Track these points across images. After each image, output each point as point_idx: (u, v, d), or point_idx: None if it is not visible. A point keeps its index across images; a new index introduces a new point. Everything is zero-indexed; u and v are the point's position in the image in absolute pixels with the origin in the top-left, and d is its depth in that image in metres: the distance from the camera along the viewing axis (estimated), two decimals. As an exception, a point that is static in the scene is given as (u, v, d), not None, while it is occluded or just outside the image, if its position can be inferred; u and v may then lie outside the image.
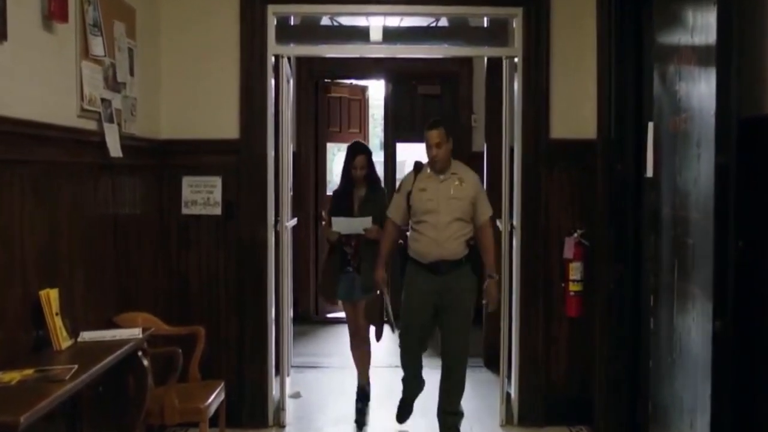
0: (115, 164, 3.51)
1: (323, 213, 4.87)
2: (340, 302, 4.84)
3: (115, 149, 3.41)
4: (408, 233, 4.23)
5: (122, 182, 3.72)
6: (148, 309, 3.85)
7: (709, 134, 2.47)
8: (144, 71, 3.94)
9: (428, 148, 4.07)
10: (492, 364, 5.54)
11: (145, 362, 3.05)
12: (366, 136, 7.94)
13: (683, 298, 2.73)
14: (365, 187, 4.59)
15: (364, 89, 7.73)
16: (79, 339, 2.87)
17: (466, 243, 4.07)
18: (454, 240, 4.03)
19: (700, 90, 2.55)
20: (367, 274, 4.43)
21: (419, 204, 4.08)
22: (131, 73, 3.75)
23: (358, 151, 4.60)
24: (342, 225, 4.49)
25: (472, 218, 4.10)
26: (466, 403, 4.91)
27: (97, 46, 3.26)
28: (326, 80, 7.48)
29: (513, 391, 4.61)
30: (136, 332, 3.01)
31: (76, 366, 2.46)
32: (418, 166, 4.22)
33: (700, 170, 2.56)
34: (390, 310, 4.45)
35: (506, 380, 4.65)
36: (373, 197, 4.59)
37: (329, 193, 6.78)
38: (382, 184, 4.94)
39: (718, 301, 2.38)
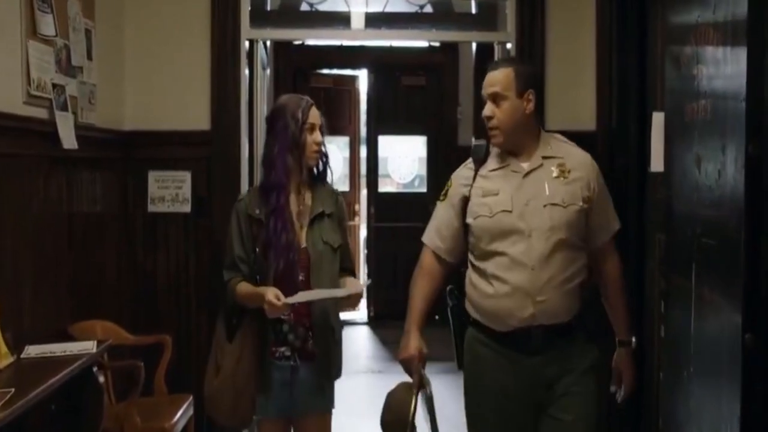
0: (70, 157, 3.18)
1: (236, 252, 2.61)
2: (256, 424, 2.64)
3: (68, 140, 3.08)
4: (467, 276, 2.47)
5: (79, 177, 3.38)
6: (110, 316, 3.53)
7: (736, 122, 2.19)
8: (104, 55, 3.61)
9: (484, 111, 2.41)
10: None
11: (101, 379, 2.74)
12: (356, 131, 7.66)
13: (703, 304, 2.45)
14: (309, 186, 2.60)
15: (353, 79, 7.42)
16: (22, 355, 2.54)
17: (580, 290, 2.40)
18: (559, 285, 2.33)
19: (726, 73, 2.27)
20: (327, 362, 2.56)
21: (486, 220, 2.35)
22: (89, 57, 3.41)
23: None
24: (304, 297, 2.46)
25: (584, 239, 2.42)
26: (448, 409, 4.66)
27: (47, 25, 2.92)
28: (308, 69, 7.18)
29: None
30: (89, 345, 2.69)
31: (12, 390, 2.13)
32: (478, 151, 2.50)
33: (725, 162, 2.27)
34: (435, 417, 2.50)
35: None
36: (328, 205, 2.62)
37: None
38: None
39: (748, 312, 2.10)
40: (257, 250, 2.48)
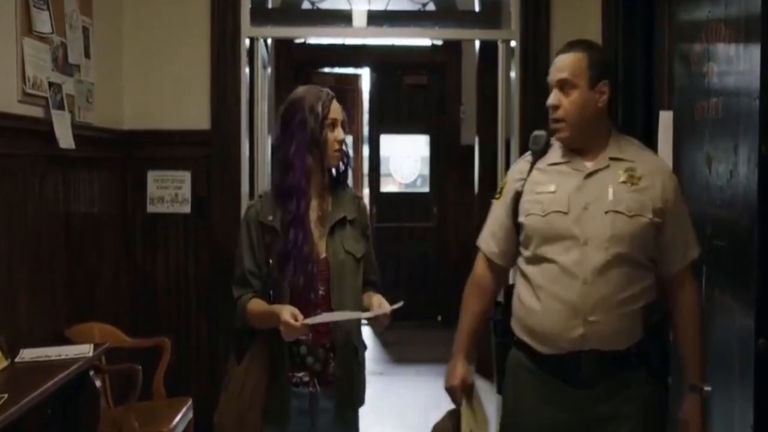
0: (67, 157, 3.12)
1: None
2: None
3: (65, 140, 3.02)
4: (515, 287, 2.20)
5: (77, 177, 3.33)
6: (108, 318, 3.48)
7: (749, 121, 2.13)
8: (102, 53, 3.55)
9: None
10: (482, 370, 5.22)
11: (97, 383, 2.68)
12: (359, 130, 7.60)
13: (713, 308, 2.39)
14: (329, 190, 2.30)
15: (356, 78, 7.36)
16: (17, 359, 2.49)
17: (643, 314, 2.08)
18: (616, 306, 2.03)
19: (739, 70, 2.21)
20: (350, 389, 2.27)
21: (538, 219, 2.10)
22: (86, 55, 3.35)
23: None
24: (326, 318, 2.18)
25: (655, 258, 2.10)
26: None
27: (43, 22, 2.87)
28: (310, 68, 7.12)
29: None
30: (85, 349, 2.63)
31: (5, 396, 2.07)
32: (537, 141, 2.22)
33: (738, 162, 2.21)
34: None
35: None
36: (349, 210, 2.31)
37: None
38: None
39: (761, 316, 2.04)
40: (270, 261, 2.18)
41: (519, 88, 4.04)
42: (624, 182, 2.07)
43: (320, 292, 2.20)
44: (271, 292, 2.19)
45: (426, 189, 7.30)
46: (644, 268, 2.09)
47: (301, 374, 2.21)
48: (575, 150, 2.13)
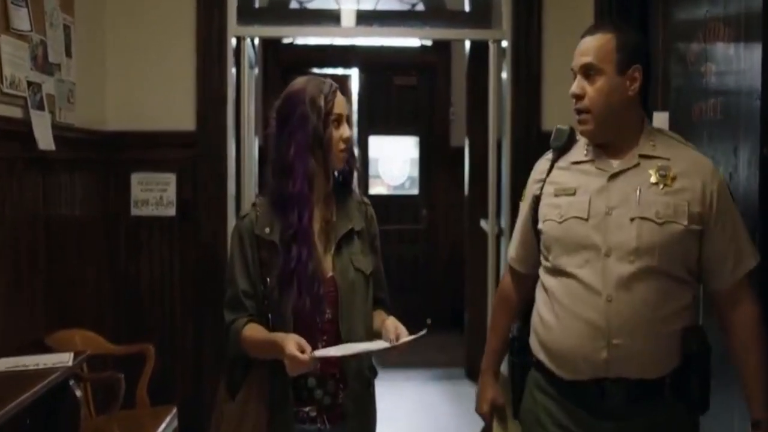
0: (46, 158, 3.03)
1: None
2: None
3: (45, 141, 2.93)
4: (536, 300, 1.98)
5: (57, 179, 3.23)
6: (91, 325, 3.39)
7: (749, 122, 2.08)
8: (84, 52, 3.46)
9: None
10: (474, 375, 5.15)
11: (78, 393, 2.58)
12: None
13: (714, 316, 2.33)
14: (333, 196, 2.04)
15: (345, 78, 7.29)
16: (-7, 369, 2.39)
17: (681, 338, 1.83)
18: (647, 326, 1.80)
19: (738, 70, 2.16)
20: (364, 425, 2.04)
21: (555, 226, 1.90)
22: (68, 54, 3.26)
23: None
24: (338, 351, 1.91)
25: (696, 272, 1.86)
26: (446, 418, 4.53)
27: (21, 19, 2.77)
28: (298, 69, 7.04)
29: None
30: (65, 358, 2.53)
31: (-23, 409, 1.98)
32: (559, 136, 2.01)
33: (738, 164, 2.16)
34: None
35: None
36: (357, 220, 2.06)
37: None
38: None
39: (764, 324, 1.98)
40: (269, 280, 1.91)
41: (510, 89, 3.99)
42: (655, 183, 1.81)
43: (327, 316, 1.93)
44: (270, 316, 1.92)
45: (415, 191, 7.24)
46: (683, 284, 1.81)
47: (307, 409, 1.94)
48: (602, 146, 1.88)
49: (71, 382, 2.59)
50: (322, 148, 1.92)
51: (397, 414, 4.17)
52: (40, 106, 2.92)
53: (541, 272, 1.94)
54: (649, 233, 1.79)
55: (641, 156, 1.85)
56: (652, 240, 1.78)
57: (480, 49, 4.60)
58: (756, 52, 2.04)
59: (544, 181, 1.95)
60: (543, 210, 1.92)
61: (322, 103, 1.92)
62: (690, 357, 1.81)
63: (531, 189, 2.01)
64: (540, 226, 1.93)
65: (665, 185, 1.81)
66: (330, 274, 1.95)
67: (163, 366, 3.52)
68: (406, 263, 6.97)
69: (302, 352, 1.78)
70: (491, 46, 4.12)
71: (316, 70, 7.16)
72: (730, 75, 2.23)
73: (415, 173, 7.25)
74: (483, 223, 4.64)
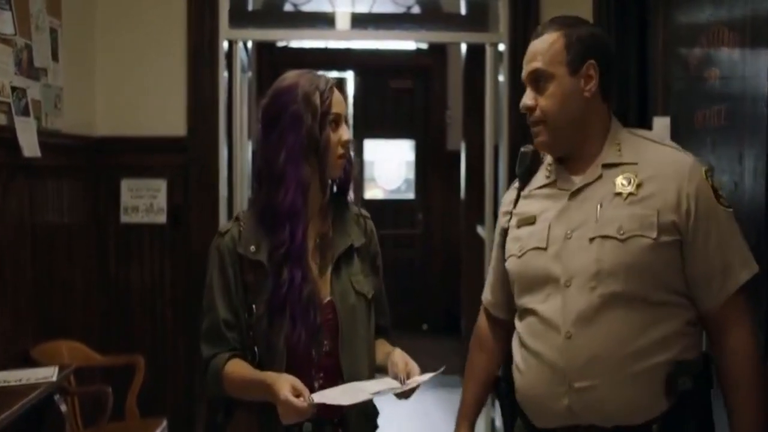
0: (32, 166, 2.96)
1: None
2: None
3: (30, 148, 2.86)
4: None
5: (44, 187, 3.16)
6: (79, 336, 3.31)
7: (755, 128, 2.01)
8: (72, 56, 3.39)
9: None
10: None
11: (63, 408, 2.51)
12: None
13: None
14: (329, 209, 1.79)
15: (341, 82, 7.24)
16: (-26, 385, 2.31)
17: (666, 374, 1.54)
18: (619, 365, 1.53)
19: (743, 75, 2.09)
20: None
21: (515, 261, 1.70)
22: (54, 58, 3.19)
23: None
24: (340, 397, 1.62)
25: (685, 291, 1.58)
26: (442, 426, 4.46)
27: (4, 22, 2.70)
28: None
29: (498, 418, 4.16)
30: (49, 373, 2.46)
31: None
32: (522, 161, 1.79)
33: (743, 173, 2.09)
34: None
35: (491, 405, 4.17)
36: (356, 235, 1.82)
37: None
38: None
39: (771, 337, 1.91)
40: (255, 308, 1.66)
41: (508, 93, 3.92)
42: (618, 194, 1.56)
43: (325, 348, 1.68)
44: (256, 350, 1.66)
45: (411, 195, 7.19)
46: (666, 308, 1.52)
47: None
48: (564, 162, 1.66)
49: (56, 397, 2.52)
50: (317, 154, 1.66)
51: (391, 422, 4.10)
52: (25, 112, 2.85)
53: (517, 316, 1.71)
54: (611, 254, 1.52)
55: (605, 166, 1.60)
56: (616, 261, 1.52)
57: (476, 52, 4.55)
58: (763, 57, 1.98)
59: (511, 213, 1.74)
60: (508, 245, 1.72)
61: (317, 100, 1.66)
62: (684, 396, 1.51)
63: (500, 223, 1.80)
64: (506, 264, 1.72)
65: (630, 194, 1.55)
66: (328, 298, 1.70)
67: (153, 377, 3.45)
68: (401, 267, 6.91)
69: (298, 396, 1.52)
70: (488, 49, 4.06)
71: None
72: (735, 80, 2.17)
73: (411, 177, 7.20)
74: (479, 229, 4.58)
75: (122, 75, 3.75)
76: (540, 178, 1.72)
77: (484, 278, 4.15)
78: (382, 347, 1.78)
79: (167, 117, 3.76)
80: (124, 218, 3.76)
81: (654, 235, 1.52)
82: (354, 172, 1.78)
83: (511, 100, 3.89)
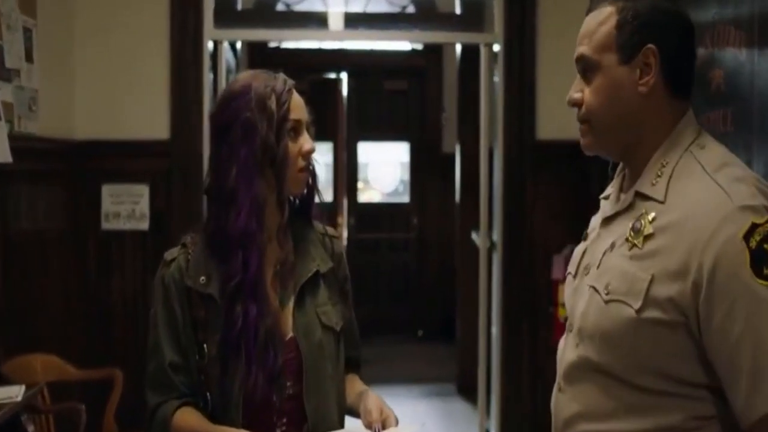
0: (4, 171, 2.81)
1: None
2: None
3: (1, 152, 2.71)
4: None
5: (16, 193, 3.03)
6: (56, 349, 3.16)
7: (764, 133, 1.89)
8: (49, 57, 3.25)
9: None
10: (465, 391, 4.99)
11: (31, 428, 2.38)
12: (340, 140, 7.36)
13: None
14: (289, 230, 1.57)
15: (335, 83, 7.13)
16: (-68, 406, 2.18)
17: None
18: None
19: (751, 76, 1.96)
20: None
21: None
22: (28, 59, 3.05)
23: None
24: None
25: (694, 381, 1.20)
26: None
27: (-29, 22, 2.56)
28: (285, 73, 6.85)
29: (493, 429, 4.04)
30: (15, 392, 2.32)
31: None
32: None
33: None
34: None
35: (485, 415, 4.08)
36: (321, 258, 1.62)
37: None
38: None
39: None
40: (206, 348, 1.47)
41: (503, 94, 3.84)
42: (627, 240, 1.25)
43: (288, 391, 1.50)
44: (209, 396, 1.48)
45: (406, 198, 7.11)
46: (656, 396, 1.21)
47: None
48: (630, 166, 1.35)
49: (23, 417, 2.38)
50: (274, 167, 1.47)
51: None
52: (-6, 116, 2.71)
53: None
54: (595, 313, 1.26)
55: (638, 194, 1.28)
56: (595, 323, 1.26)
57: (471, 52, 4.45)
58: (772, 57, 1.85)
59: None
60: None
61: (273, 105, 1.46)
62: None
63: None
64: None
65: (634, 245, 1.23)
66: (290, 335, 1.51)
67: (133, 392, 3.30)
68: (396, 272, 6.90)
69: None
70: (482, 50, 3.97)
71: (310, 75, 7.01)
72: (742, 82, 2.04)
73: (406, 179, 7.12)
74: (474, 236, 4.47)
75: (102, 76, 3.64)
76: (616, 182, 1.40)
77: (479, 288, 4.12)
78: (353, 385, 1.63)
79: (149, 120, 3.67)
80: (105, 225, 3.66)
81: (636, 305, 1.19)
82: (318, 186, 1.58)
83: (506, 102, 3.82)
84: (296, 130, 1.50)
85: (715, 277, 1.13)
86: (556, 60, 3.73)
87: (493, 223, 3.96)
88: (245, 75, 1.53)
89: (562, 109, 4.13)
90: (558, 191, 3.81)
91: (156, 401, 1.50)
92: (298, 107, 1.50)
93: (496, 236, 3.92)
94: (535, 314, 3.81)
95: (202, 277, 1.49)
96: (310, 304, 1.53)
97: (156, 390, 1.51)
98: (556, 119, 3.75)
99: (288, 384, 1.49)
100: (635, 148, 1.30)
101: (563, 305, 3.33)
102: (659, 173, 1.26)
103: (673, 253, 1.17)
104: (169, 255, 1.56)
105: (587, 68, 1.30)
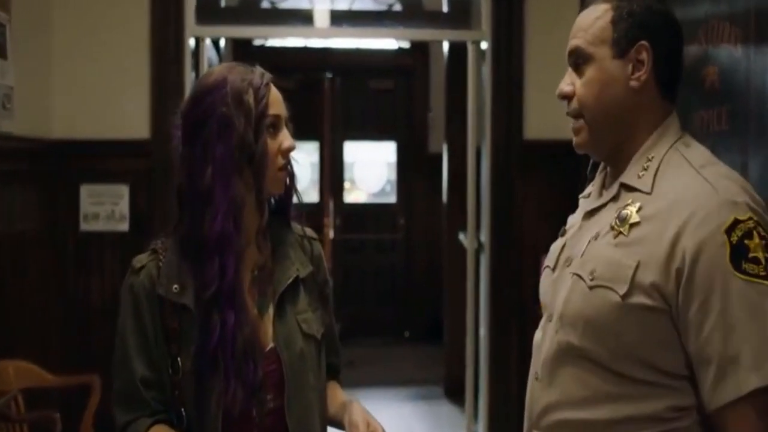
0: (-24, 171, 2.74)
1: None
2: None
3: (-27, 152, 2.63)
4: None
5: (-10, 193, 2.94)
6: (32, 354, 3.08)
7: (760, 132, 1.83)
8: (24, 53, 3.17)
9: None
10: (453, 394, 4.95)
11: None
12: (324, 139, 7.32)
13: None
14: (267, 233, 1.48)
15: (320, 82, 7.09)
16: None
17: None
18: (568, 426, 1.30)
19: (747, 73, 1.91)
20: None
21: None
22: (2, 55, 2.96)
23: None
24: None
25: (673, 372, 1.23)
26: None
27: (-60, 16, 2.47)
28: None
29: (481, 430, 4.00)
30: (-17, 402, 2.23)
31: None
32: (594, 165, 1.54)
33: (747, 180, 1.91)
34: None
35: (473, 419, 4.04)
36: (300, 262, 1.53)
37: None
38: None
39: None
40: (180, 362, 1.39)
41: (491, 93, 3.80)
42: (612, 228, 1.28)
43: (269, 405, 1.42)
44: (183, 412, 1.39)
45: (392, 198, 7.07)
46: (634, 384, 1.23)
47: None
48: (613, 164, 1.37)
49: (-5, 427, 2.29)
50: (252, 166, 1.38)
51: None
52: (-34, 114, 2.62)
53: None
54: (577, 299, 1.29)
55: (623, 186, 1.32)
56: (577, 308, 1.28)
57: (459, 50, 4.43)
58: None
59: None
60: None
61: (251, 100, 1.38)
62: None
63: None
64: None
65: (620, 233, 1.27)
66: (270, 345, 1.43)
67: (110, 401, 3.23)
68: (383, 272, 6.85)
69: None
70: (470, 48, 3.93)
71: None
72: (737, 79, 1.99)
73: (392, 180, 7.10)
74: (462, 237, 4.42)
75: (81, 73, 3.58)
76: (597, 180, 1.42)
77: (467, 290, 4.08)
78: (334, 393, 1.56)
79: (130, 118, 3.61)
80: (84, 226, 3.60)
81: (622, 291, 1.22)
82: (296, 185, 1.49)
83: (494, 101, 3.79)
84: (275, 126, 1.42)
85: (696, 265, 1.18)
86: (545, 57, 3.71)
87: (481, 223, 3.92)
88: (220, 68, 1.45)
89: (551, 107, 4.07)
90: (547, 191, 3.76)
91: (126, 419, 1.41)
92: (277, 102, 1.43)
93: (484, 237, 3.88)
94: (523, 316, 3.77)
95: (175, 286, 1.39)
96: (290, 311, 1.45)
97: (125, 407, 1.41)
98: (545, 118, 3.72)
99: (269, 397, 1.41)
100: (623, 146, 1.33)
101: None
102: (645, 167, 1.30)
103: (658, 240, 1.21)
104: (137, 262, 1.45)
105: (580, 61, 1.33)
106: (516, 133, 3.77)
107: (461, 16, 4.28)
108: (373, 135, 7.01)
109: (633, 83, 1.29)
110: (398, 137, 6.95)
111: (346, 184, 7.05)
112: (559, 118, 4.10)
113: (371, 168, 7.16)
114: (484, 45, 3.83)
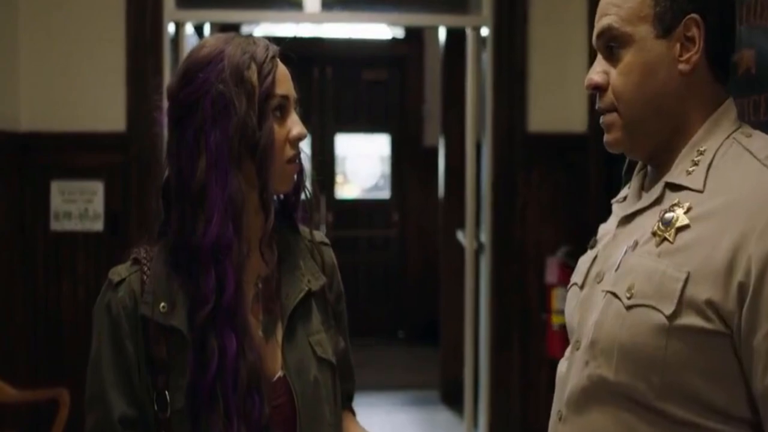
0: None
1: None
2: None
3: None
4: None
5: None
6: (-4, 365, 2.91)
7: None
8: (-14, 39, 3.00)
9: None
10: (450, 399, 4.82)
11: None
12: (313, 129, 7.22)
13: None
14: (273, 239, 1.26)
15: (309, 69, 6.99)
16: None
17: None
18: None
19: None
20: None
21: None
22: (-40, 41, 2.75)
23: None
24: None
25: (733, 414, 1.00)
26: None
27: None
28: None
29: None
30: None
31: None
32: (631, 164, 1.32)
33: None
34: None
35: (472, 426, 3.91)
36: (311, 272, 1.31)
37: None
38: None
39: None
40: (168, 396, 1.17)
41: (491, 83, 3.69)
42: (654, 234, 1.06)
43: None
44: None
45: (386, 194, 7.00)
46: (683, 427, 1.02)
47: None
48: (655, 165, 1.16)
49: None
50: (255, 158, 1.17)
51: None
52: None
53: None
54: (612, 321, 1.06)
55: (668, 185, 1.10)
56: (612, 333, 1.06)
57: (457, 38, 4.36)
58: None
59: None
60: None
61: (254, 77, 1.16)
62: None
63: None
64: None
65: (664, 239, 1.04)
66: (279, 374, 1.22)
67: (83, 414, 3.03)
68: (376, 270, 6.80)
69: None
70: (469, 34, 3.83)
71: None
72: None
73: (386, 173, 7.03)
74: (460, 235, 4.33)
75: (52, 62, 3.48)
76: (635, 181, 1.20)
77: (465, 291, 3.95)
78: (349, 425, 1.35)
79: (104, 110, 3.51)
80: (55, 225, 3.48)
81: (668, 311, 1.00)
82: (306, 183, 1.27)
83: (496, 90, 3.69)
84: (283, 110, 1.20)
85: (765, 278, 0.95)
86: (550, 44, 3.67)
87: (481, 222, 3.82)
88: (215, 39, 1.21)
89: (556, 97, 3.92)
90: (552, 188, 3.69)
91: None
92: (285, 80, 1.21)
93: (484, 237, 3.78)
94: (527, 321, 3.67)
95: (163, 304, 1.17)
96: (301, 333, 1.23)
97: None
98: (551, 109, 3.67)
99: None
100: (669, 143, 1.12)
101: (558, 312, 3.00)
102: (695, 161, 1.09)
103: (714, 246, 0.99)
104: (116, 275, 1.23)
105: (614, 43, 1.11)
106: (519, 125, 3.68)
107: (460, 0, 4.18)
108: (365, 127, 6.96)
109: (682, 66, 1.09)
110: (392, 129, 6.89)
111: (338, 179, 6.97)
112: (565, 110, 3.96)
113: (364, 162, 7.09)
114: (484, 31, 3.74)
